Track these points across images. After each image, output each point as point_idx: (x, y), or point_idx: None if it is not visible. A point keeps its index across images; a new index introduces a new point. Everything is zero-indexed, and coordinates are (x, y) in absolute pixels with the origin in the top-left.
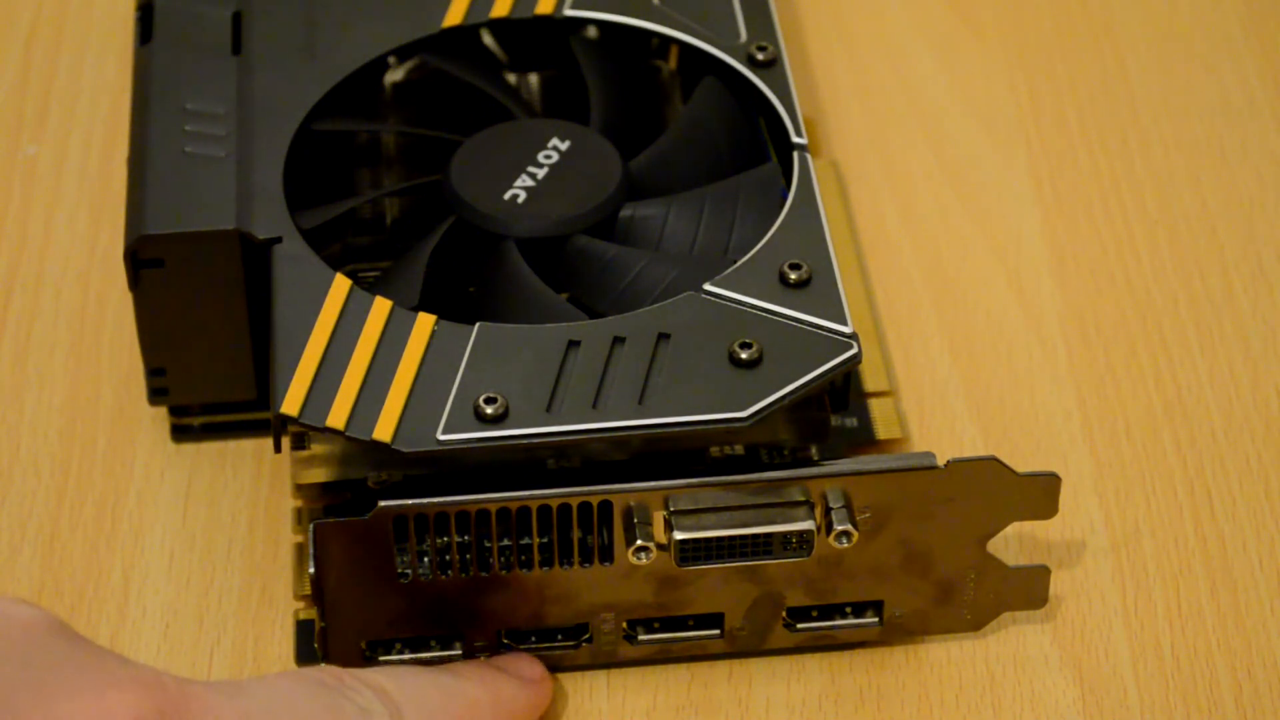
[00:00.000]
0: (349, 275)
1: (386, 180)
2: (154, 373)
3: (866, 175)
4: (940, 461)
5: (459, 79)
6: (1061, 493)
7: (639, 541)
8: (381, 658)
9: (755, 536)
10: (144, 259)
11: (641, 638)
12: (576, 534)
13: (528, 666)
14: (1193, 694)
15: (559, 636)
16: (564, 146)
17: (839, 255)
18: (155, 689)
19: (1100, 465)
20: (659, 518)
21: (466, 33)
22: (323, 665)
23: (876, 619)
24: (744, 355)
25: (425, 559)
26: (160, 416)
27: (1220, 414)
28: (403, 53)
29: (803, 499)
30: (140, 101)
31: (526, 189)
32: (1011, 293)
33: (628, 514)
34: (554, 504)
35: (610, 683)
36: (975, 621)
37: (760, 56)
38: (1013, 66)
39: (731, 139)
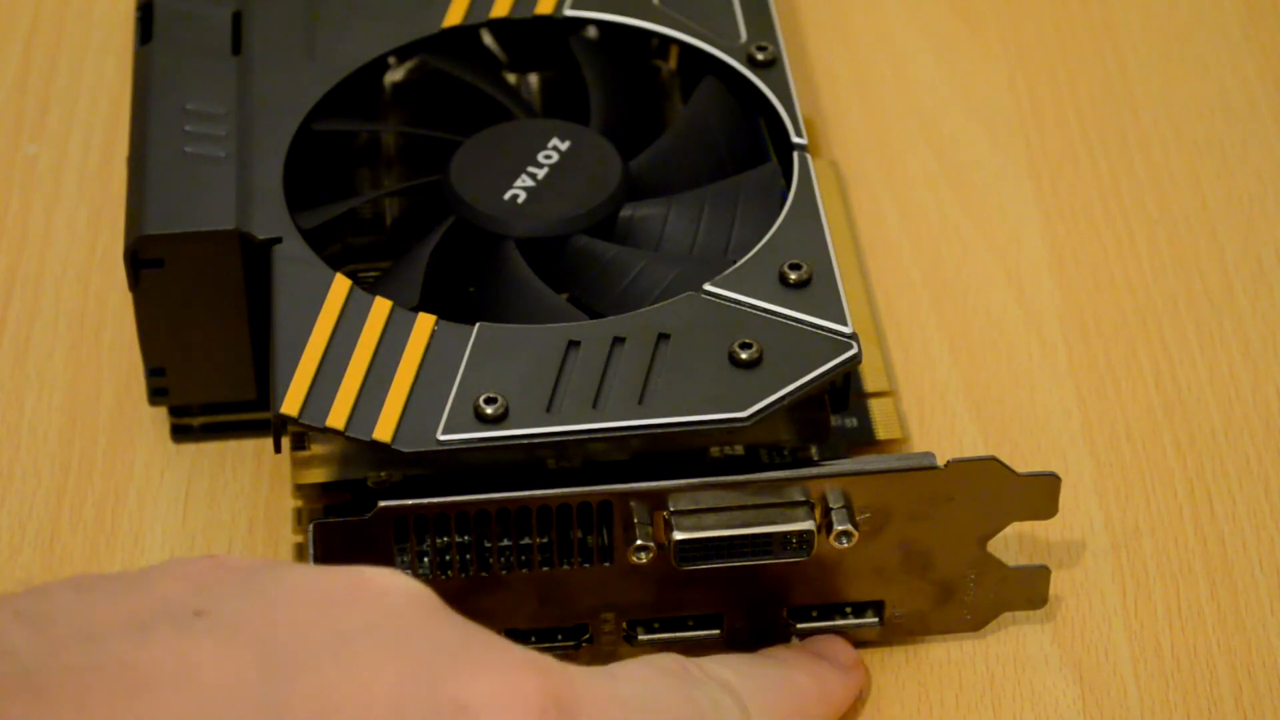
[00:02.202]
0: (349, 275)
1: (386, 180)
2: (154, 373)
3: (866, 175)
4: (940, 461)
5: (459, 79)
6: (1061, 493)
7: (639, 541)
8: None
9: (755, 536)
10: (144, 259)
11: (641, 638)
12: (576, 534)
13: (844, 652)
14: (1193, 694)
15: (559, 636)
16: (564, 146)
17: (839, 255)
18: (549, 672)
19: (1100, 465)
20: (659, 518)
21: (466, 33)
22: (668, 654)
23: (876, 619)
24: (744, 355)
25: (425, 559)
26: (160, 416)
27: (1220, 414)
28: (403, 53)
29: (803, 499)
30: (140, 101)
31: (526, 189)
32: (1011, 293)
33: (628, 514)
34: (554, 504)
35: None
36: (975, 621)
37: (760, 56)
38: (1013, 66)
39: (731, 139)
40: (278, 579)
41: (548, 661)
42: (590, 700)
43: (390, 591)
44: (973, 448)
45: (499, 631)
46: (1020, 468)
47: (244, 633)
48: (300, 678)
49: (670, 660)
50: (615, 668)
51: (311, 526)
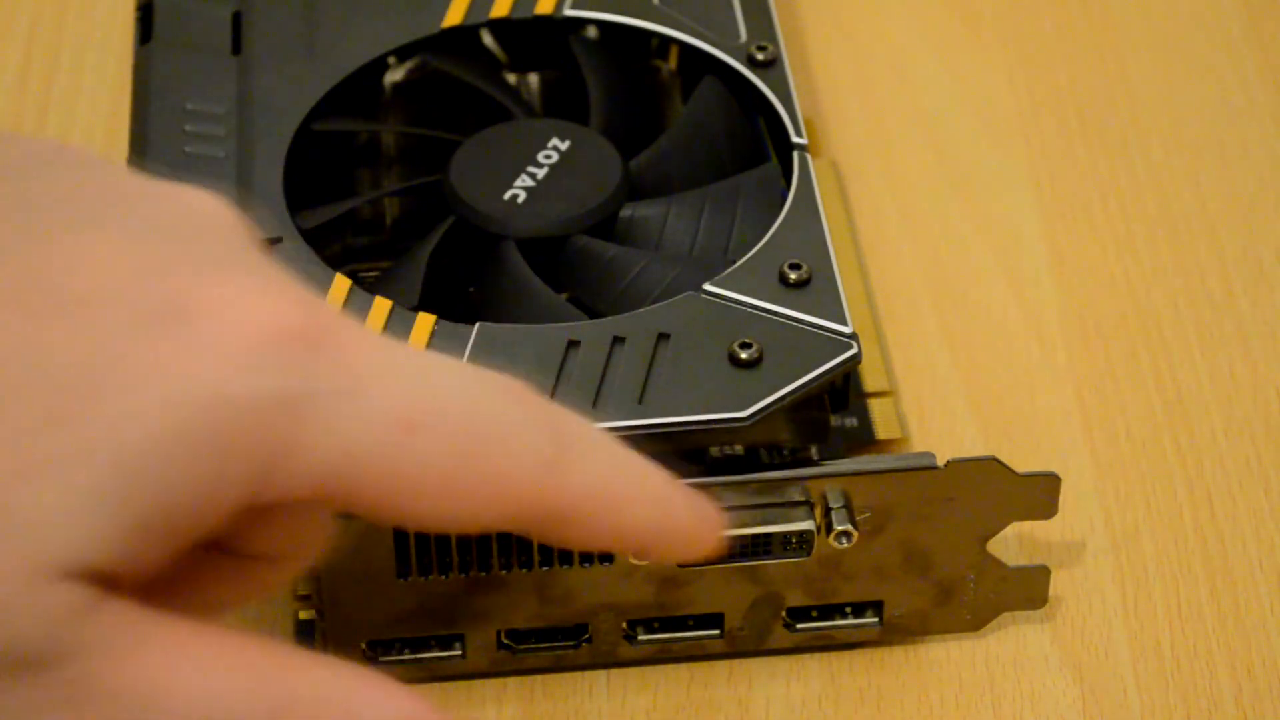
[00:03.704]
0: (349, 275)
1: (386, 180)
2: None
3: (866, 175)
4: (940, 461)
5: (459, 79)
6: (1061, 493)
7: None
8: (381, 658)
9: (755, 536)
10: None
11: (641, 638)
12: None
13: (706, 504)
14: (1193, 694)
15: (559, 636)
16: (564, 146)
17: (839, 255)
18: (312, 308)
19: (1100, 465)
20: None
21: (466, 33)
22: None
23: (876, 619)
24: (744, 355)
25: (425, 559)
26: None
27: (1220, 414)
28: (403, 53)
29: (803, 499)
30: (140, 101)
31: (526, 189)
32: (1011, 293)
33: None
34: None
35: (610, 683)
36: (975, 621)
37: (760, 56)
38: (1013, 66)
39: (731, 139)
40: (80, 165)
41: (318, 299)
42: (355, 347)
43: (199, 209)
44: (973, 448)
45: (496, 631)
46: (1020, 468)
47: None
48: (30, 241)
49: (494, 373)
50: (416, 350)
51: None
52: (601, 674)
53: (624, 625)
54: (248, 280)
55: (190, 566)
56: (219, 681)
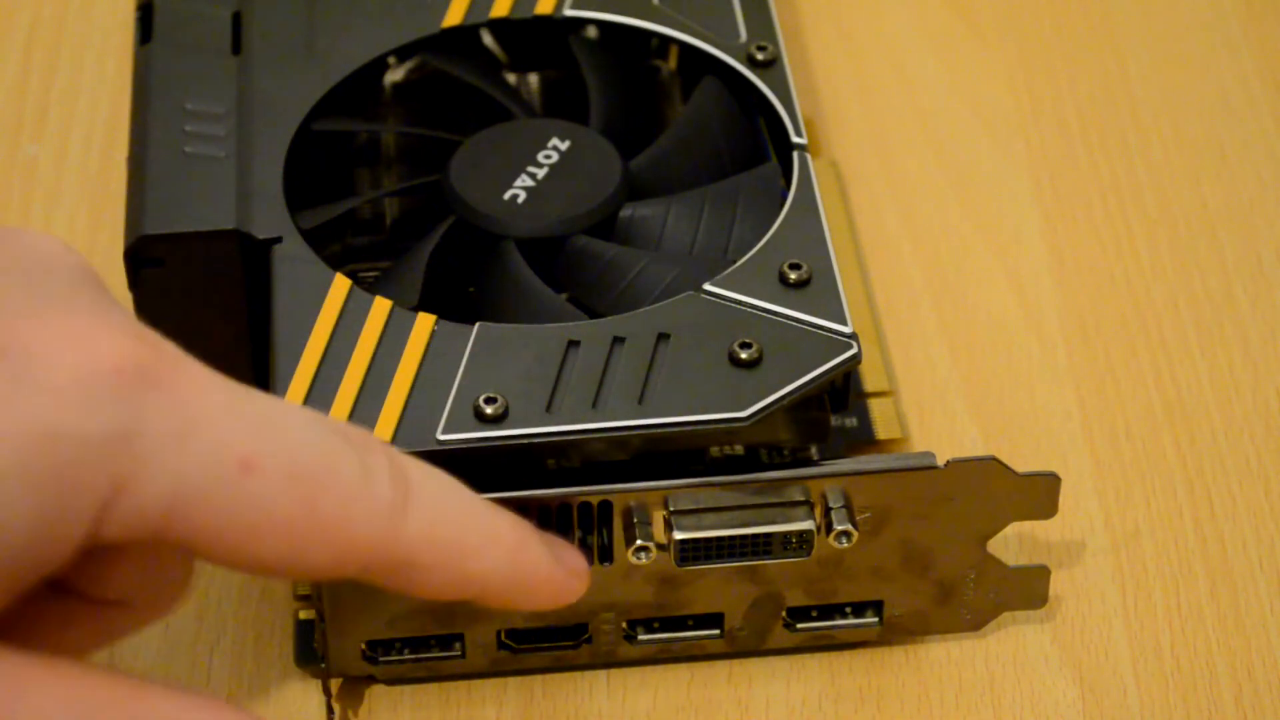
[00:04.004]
0: (349, 275)
1: (386, 180)
2: None
3: (866, 175)
4: (940, 461)
5: (459, 79)
6: (1061, 493)
7: (639, 541)
8: (381, 658)
9: (755, 536)
10: (144, 259)
11: (641, 638)
12: (576, 534)
13: (571, 554)
14: (1193, 694)
15: (559, 636)
16: (564, 146)
17: (839, 255)
18: (145, 341)
19: (1100, 465)
20: (659, 518)
21: (466, 33)
22: (348, 423)
23: (876, 619)
24: (744, 355)
25: None
26: None
27: (1220, 414)
28: (403, 53)
29: (803, 499)
30: (140, 101)
31: (526, 189)
32: (1011, 293)
33: (628, 514)
34: (554, 504)
35: (610, 683)
36: (975, 621)
37: (760, 56)
38: (1013, 66)
39: (731, 139)
40: None
41: (161, 342)
42: (192, 385)
43: (38, 250)
44: (973, 448)
45: (498, 631)
46: (1020, 468)
47: None
48: None
49: (346, 425)
50: (261, 395)
51: None
52: (601, 674)
53: (624, 625)
54: (84, 319)
55: (42, 610)
56: (68, 709)
